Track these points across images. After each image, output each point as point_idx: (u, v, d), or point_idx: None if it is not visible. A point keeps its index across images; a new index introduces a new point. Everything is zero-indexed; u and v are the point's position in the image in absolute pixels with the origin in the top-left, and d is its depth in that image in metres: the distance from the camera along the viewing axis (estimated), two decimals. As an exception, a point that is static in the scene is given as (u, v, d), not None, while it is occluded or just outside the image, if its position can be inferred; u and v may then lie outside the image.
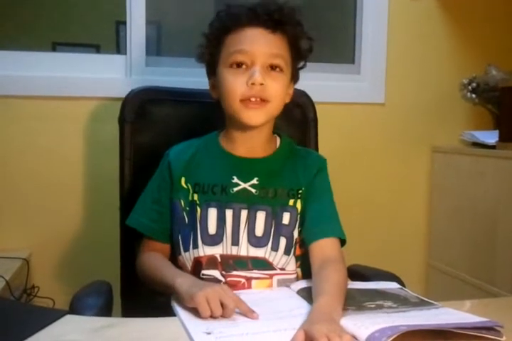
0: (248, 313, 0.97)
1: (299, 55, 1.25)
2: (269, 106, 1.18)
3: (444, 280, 2.20)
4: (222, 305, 0.96)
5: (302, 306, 1.03)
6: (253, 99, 1.16)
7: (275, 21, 1.18)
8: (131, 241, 1.43)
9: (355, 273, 1.37)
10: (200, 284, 1.03)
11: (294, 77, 1.27)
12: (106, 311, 1.10)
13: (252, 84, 1.14)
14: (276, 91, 1.18)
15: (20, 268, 1.70)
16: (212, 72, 1.25)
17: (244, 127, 1.21)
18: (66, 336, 0.89)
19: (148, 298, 1.30)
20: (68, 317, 0.97)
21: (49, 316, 0.96)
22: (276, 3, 1.20)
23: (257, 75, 1.14)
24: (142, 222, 1.28)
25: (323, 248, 1.19)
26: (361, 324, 0.89)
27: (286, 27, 1.20)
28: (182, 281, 1.05)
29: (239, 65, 1.17)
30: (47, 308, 1.19)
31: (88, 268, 1.88)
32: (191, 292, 0.99)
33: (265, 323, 0.94)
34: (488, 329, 0.89)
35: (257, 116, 1.18)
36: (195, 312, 0.97)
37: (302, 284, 1.17)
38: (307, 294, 1.09)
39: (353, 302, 1.04)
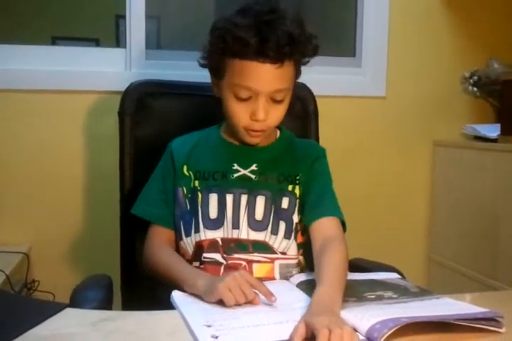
0: (267, 296, 0.99)
1: (304, 61, 1.24)
2: (270, 130, 1.25)
3: (445, 274, 2.20)
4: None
5: (302, 299, 1.02)
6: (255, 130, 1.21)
7: (284, 54, 1.14)
8: (131, 235, 1.43)
9: (357, 266, 1.37)
10: (219, 278, 1.04)
11: (297, 77, 1.26)
12: (106, 304, 1.11)
13: (256, 120, 1.17)
14: (278, 119, 1.22)
15: (20, 263, 1.70)
16: (214, 75, 1.24)
17: None
18: (66, 329, 0.89)
19: (148, 292, 1.30)
20: (68, 310, 0.97)
21: (49, 309, 0.96)
22: (285, 29, 1.13)
23: (260, 114, 1.16)
24: (149, 211, 1.29)
25: (323, 227, 1.20)
26: (362, 316, 0.88)
27: (294, 55, 1.17)
28: (202, 282, 1.06)
29: (243, 98, 1.17)
30: (47, 301, 1.19)
31: (88, 262, 1.89)
32: (212, 286, 1.01)
33: (266, 316, 0.94)
34: (488, 320, 0.89)
35: (258, 140, 1.25)
36: (220, 303, 0.99)
37: (302, 277, 1.18)
38: (307, 287, 1.09)
39: (353, 293, 1.04)
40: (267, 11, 1.15)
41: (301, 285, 1.12)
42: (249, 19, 1.13)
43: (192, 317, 0.93)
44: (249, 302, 0.99)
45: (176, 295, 1.07)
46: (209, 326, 0.88)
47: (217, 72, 1.21)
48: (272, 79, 1.15)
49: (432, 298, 1.02)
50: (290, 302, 1.01)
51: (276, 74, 1.15)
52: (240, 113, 1.18)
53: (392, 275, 1.21)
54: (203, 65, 1.25)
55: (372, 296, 1.03)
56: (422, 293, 1.06)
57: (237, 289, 0.98)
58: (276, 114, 1.20)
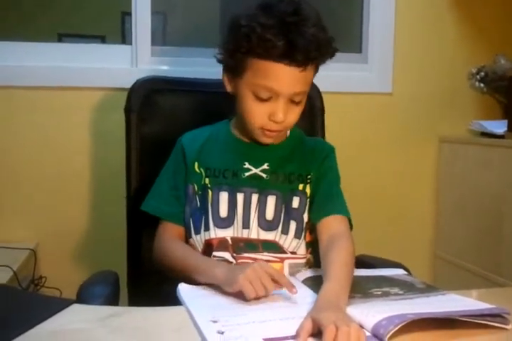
0: (289, 287, 0.99)
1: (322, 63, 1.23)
2: (286, 131, 1.25)
3: (450, 271, 2.20)
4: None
5: (308, 295, 1.03)
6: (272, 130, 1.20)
7: (311, 59, 1.13)
8: (137, 231, 1.44)
9: (363, 263, 1.36)
10: (238, 268, 1.05)
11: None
12: (113, 300, 1.11)
13: (274, 121, 1.17)
14: (294, 120, 1.22)
15: (27, 259, 1.71)
16: (232, 72, 1.22)
17: None
18: (72, 325, 0.89)
19: (154, 288, 1.30)
20: (75, 306, 0.98)
21: (56, 305, 0.96)
22: (311, 33, 1.11)
23: (280, 115, 1.15)
24: (160, 208, 1.28)
25: (330, 225, 1.20)
26: (368, 312, 0.89)
27: (318, 60, 1.16)
28: (221, 270, 1.06)
29: (263, 98, 1.16)
30: (54, 297, 1.19)
31: (95, 258, 1.89)
32: (232, 276, 1.01)
33: (272, 312, 0.94)
34: (494, 316, 0.89)
35: (273, 140, 1.25)
36: (240, 295, 0.99)
37: (308, 274, 1.18)
38: (313, 283, 1.09)
39: (360, 289, 1.04)
40: (291, 11, 1.12)
41: (307, 282, 1.12)
42: (274, 19, 1.10)
43: (198, 312, 0.93)
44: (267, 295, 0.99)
45: (183, 289, 1.07)
46: (215, 321, 0.88)
47: (236, 69, 1.19)
48: (295, 81, 1.15)
49: (438, 294, 1.02)
50: (296, 298, 1.01)
51: (299, 77, 1.14)
52: (258, 113, 1.17)
53: (398, 272, 1.21)
54: (220, 61, 1.23)
55: (379, 292, 1.03)
56: (428, 289, 1.06)
57: (257, 281, 0.98)
58: (294, 115, 1.20)
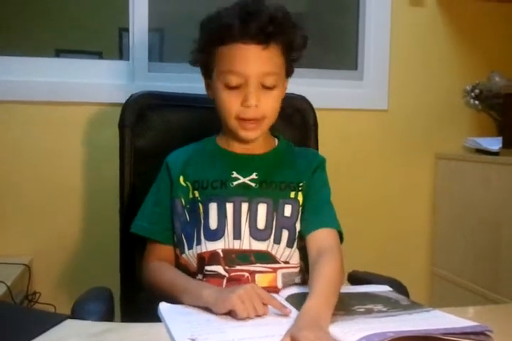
0: (281, 309, 0.99)
1: (294, 53, 1.24)
2: (265, 122, 1.22)
3: (447, 288, 2.19)
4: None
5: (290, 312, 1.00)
6: (249, 120, 1.19)
7: (268, 35, 1.15)
8: (131, 247, 1.43)
9: (358, 279, 1.36)
10: (228, 289, 1.04)
11: (289, 72, 1.27)
12: (108, 317, 1.09)
13: (247, 106, 1.17)
14: (271, 107, 1.21)
15: (21, 274, 1.70)
16: (207, 74, 1.25)
17: None
18: (66, 340, 0.88)
19: (147, 304, 1.29)
20: (69, 321, 0.97)
21: (50, 320, 0.96)
22: (268, 12, 1.16)
23: (251, 99, 1.16)
24: (143, 226, 1.28)
25: (320, 238, 1.19)
26: (348, 330, 0.87)
27: (278, 37, 1.18)
28: (209, 292, 1.04)
29: (233, 86, 1.17)
30: (48, 312, 1.18)
31: (89, 274, 1.87)
32: (223, 297, 0.99)
33: (252, 330, 0.92)
34: (477, 334, 0.87)
35: (254, 134, 1.22)
36: (229, 315, 0.97)
37: (291, 291, 1.15)
38: (296, 300, 1.07)
39: (343, 306, 1.01)
40: (251, 2, 1.18)
41: (290, 299, 1.10)
42: (235, 10, 1.17)
43: (177, 330, 0.92)
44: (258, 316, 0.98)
45: (163, 308, 1.05)
46: (193, 339, 0.86)
47: (208, 66, 1.21)
48: (259, 61, 1.16)
49: (422, 311, 1.00)
50: (278, 316, 0.99)
51: (262, 56, 1.16)
52: (230, 101, 1.18)
53: (383, 288, 1.19)
54: (193, 63, 1.27)
55: (362, 309, 1.01)
56: (413, 306, 1.04)
57: (250, 302, 0.97)
58: (267, 100, 1.19)
